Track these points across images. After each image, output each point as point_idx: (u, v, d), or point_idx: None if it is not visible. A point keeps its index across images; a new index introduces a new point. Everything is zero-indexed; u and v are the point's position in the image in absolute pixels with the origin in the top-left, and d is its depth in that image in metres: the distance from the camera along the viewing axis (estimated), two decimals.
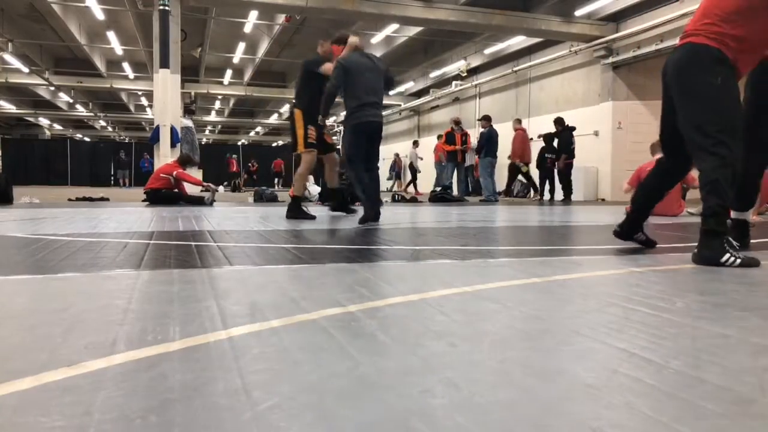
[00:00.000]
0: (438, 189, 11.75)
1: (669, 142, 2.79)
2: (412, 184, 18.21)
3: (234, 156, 25.55)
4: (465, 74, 18.50)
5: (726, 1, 2.54)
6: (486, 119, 12.53)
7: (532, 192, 13.33)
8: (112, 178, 26.06)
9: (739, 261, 2.43)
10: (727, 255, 2.45)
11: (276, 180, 25.32)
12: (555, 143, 12.38)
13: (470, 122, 18.51)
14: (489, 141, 12.11)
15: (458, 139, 12.71)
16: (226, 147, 32.85)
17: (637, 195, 3.03)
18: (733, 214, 3.01)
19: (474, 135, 14.78)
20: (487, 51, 17.83)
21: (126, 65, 23.70)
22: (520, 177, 13.19)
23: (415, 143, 19.54)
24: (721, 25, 2.51)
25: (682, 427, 0.82)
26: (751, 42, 2.51)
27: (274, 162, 26.36)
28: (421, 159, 18.32)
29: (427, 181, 18.24)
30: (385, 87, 5.17)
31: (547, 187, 12.53)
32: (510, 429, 0.81)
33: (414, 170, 18.23)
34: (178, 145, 11.84)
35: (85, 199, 9.45)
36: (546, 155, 12.39)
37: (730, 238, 2.54)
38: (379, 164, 5.34)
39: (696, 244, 2.60)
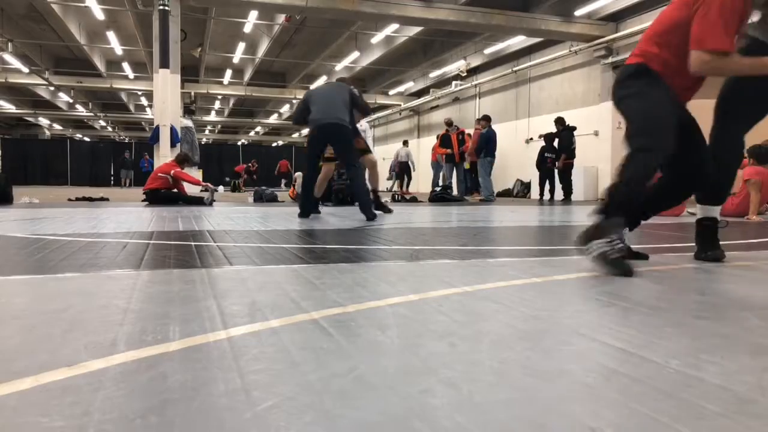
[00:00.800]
0: (438, 189, 11.77)
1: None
2: (407, 183, 18.32)
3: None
4: (465, 74, 18.50)
5: (654, 22, 2.53)
6: (485, 119, 12.55)
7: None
8: (113, 178, 26.03)
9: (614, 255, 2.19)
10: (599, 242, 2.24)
11: (283, 181, 25.18)
12: (555, 143, 12.40)
13: (470, 122, 18.51)
14: (488, 141, 12.13)
15: (454, 139, 12.74)
16: (227, 147, 32.79)
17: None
18: (700, 211, 2.72)
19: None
20: (487, 51, 17.82)
21: (126, 65, 23.69)
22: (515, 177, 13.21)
23: (405, 143, 19.69)
24: (647, 42, 2.48)
25: (682, 427, 0.82)
26: (672, 63, 2.40)
27: (280, 162, 26.26)
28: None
29: (425, 181, 18.27)
30: (362, 113, 5.92)
31: (547, 187, 12.55)
32: (509, 429, 0.81)
33: (405, 168, 18.33)
34: (178, 145, 11.85)
35: (84, 199, 9.45)
36: (546, 155, 12.41)
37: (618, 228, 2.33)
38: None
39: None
